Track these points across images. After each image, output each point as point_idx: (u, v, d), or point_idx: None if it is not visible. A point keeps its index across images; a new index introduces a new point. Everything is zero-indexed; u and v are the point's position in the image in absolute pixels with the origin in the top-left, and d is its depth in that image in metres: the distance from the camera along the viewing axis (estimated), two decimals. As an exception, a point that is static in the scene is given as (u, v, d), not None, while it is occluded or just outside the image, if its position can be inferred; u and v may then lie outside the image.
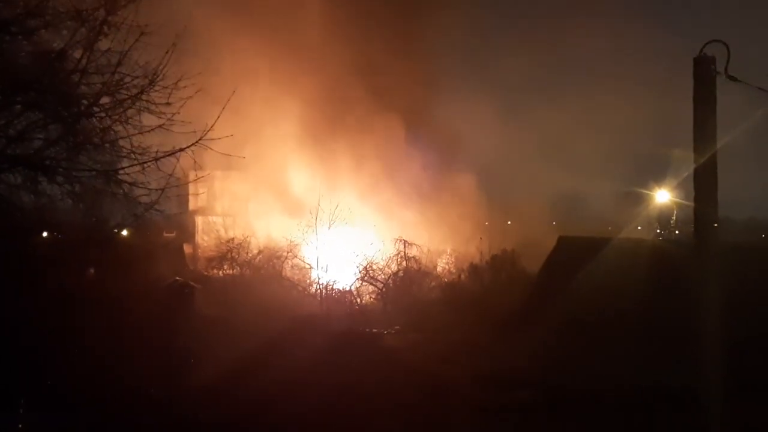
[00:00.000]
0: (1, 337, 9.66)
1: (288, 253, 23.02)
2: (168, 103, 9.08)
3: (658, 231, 29.68)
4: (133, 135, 9.04)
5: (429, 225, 25.77)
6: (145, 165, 9.05)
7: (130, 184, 9.01)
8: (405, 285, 23.41)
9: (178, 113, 9.16)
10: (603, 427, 9.93)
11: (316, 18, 25.52)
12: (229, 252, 25.07)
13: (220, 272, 25.30)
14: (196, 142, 9.19)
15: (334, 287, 22.66)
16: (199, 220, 27.94)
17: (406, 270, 23.80)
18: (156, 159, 9.05)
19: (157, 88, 9.00)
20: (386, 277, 23.56)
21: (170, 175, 9.23)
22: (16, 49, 8.77)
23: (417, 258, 24.20)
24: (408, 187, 26.51)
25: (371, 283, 23.48)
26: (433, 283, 24.26)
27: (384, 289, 23.31)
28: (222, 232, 26.18)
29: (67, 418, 9.66)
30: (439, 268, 25.72)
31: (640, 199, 24.31)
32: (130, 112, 9.05)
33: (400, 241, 24.31)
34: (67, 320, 10.77)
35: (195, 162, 9.95)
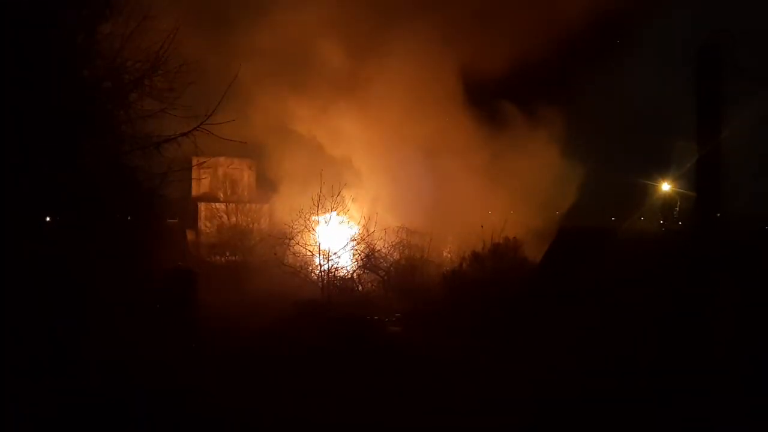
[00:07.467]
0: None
1: (290, 240, 22.99)
2: (171, 88, 9.08)
3: (661, 222, 29.62)
4: (134, 120, 9.06)
5: (432, 213, 25.67)
6: (147, 150, 9.07)
7: (132, 168, 9.04)
8: (407, 272, 23.42)
9: (179, 98, 9.16)
10: (603, 412, 9.97)
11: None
12: (231, 239, 25.08)
13: (223, 258, 25.36)
14: (197, 127, 9.20)
15: (336, 274, 22.68)
16: (202, 207, 27.91)
17: (408, 258, 23.82)
18: (157, 144, 9.07)
19: (159, 72, 9.01)
20: (388, 265, 23.58)
21: (172, 160, 9.27)
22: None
23: (419, 246, 24.21)
24: (413, 177, 26.32)
25: (373, 271, 23.50)
26: (434, 271, 24.23)
27: (386, 277, 23.34)
28: (225, 219, 26.23)
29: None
30: (441, 256, 25.70)
31: (644, 190, 24.21)
32: (132, 96, 9.06)
33: (403, 229, 24.30)
34: (72, 299, 10.77)
35: (197, 147, 9.95)
